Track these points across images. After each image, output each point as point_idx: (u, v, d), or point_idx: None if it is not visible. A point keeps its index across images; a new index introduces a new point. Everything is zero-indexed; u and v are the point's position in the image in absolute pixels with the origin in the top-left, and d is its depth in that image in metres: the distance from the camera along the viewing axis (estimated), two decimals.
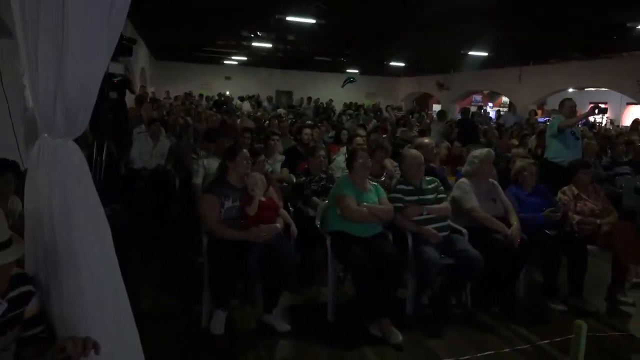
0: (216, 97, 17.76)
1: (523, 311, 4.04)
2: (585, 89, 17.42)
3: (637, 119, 13.67)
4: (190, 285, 4.03)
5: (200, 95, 17.84)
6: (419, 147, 4.97)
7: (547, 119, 17.14)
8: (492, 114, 20.94)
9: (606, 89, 16.00)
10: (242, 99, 18.42)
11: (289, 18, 10.54)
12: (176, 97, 17.29)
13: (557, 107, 17.96)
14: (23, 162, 3.89)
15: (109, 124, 4.40)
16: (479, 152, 4.46)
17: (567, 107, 6.03)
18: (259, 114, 12.40)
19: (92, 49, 1.77)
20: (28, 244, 1.86)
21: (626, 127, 14.65)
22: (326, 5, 9.31)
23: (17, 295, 1.73)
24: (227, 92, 20.58)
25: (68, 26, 1.69)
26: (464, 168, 4.52)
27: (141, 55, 14.97)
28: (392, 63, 19.25)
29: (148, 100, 11.90)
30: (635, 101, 15.12)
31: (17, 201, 3.42)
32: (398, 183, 4.15)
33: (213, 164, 4.97)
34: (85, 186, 1.88)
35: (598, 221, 4.45)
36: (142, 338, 2.07)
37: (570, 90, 17.02)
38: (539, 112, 17.98)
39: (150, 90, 15.74)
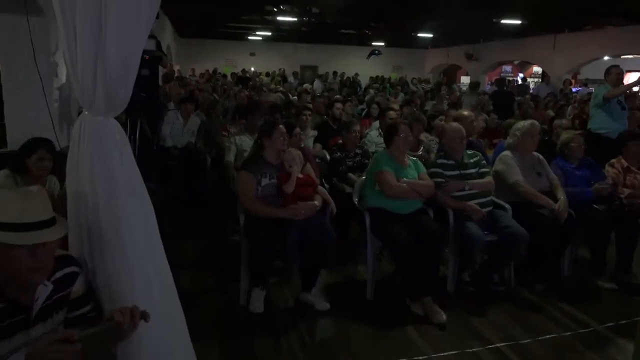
0: (240, 74, 17.68)
1: (569, 289, 3.89)
2: (622, 57, 16.66)
3: None
4: (227, 264, 4.01)
5: (225, 76, 17.76)
6: (457, 119, 4.77)
7: (580, 88, 16.56)
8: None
9: None
10: (267, 74, 18.33)
11: None
12: (202, 75, 17.27)
13: (590, 77, 17.33)
14: (59, 142, 3.89)
15: (142, 102, 4.37)
16: (522, 124, 4.26)
17: (614, 74, 5.72)
18: (283, 89, 12.23)
19: (132, 23, 1.69)
20: (71, 224, 1.82)
21: None
22: None
23: (62, 277, 1.70)
24: (252, 69, 20.44)
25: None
26: (507, 141, 4.33)
27: (166, 32, 14.91)
28: (419, 34, 18.75)
29: (175, 78, 11.90)
30: None
31: (55, 181, 3.41)
32: (438, 157, 4.01)
33: (245, 140, 4.91)
34: (128, 164, 1.83)
35: None
36: None
37: (606, 58, 16.31)
38: (572, 81, 17.34)
39: (176, 68, 15.72)
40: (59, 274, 1.69)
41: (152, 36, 5.38)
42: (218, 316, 3.35)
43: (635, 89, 8.00)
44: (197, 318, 3.07)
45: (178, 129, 6.39)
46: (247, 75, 17.67)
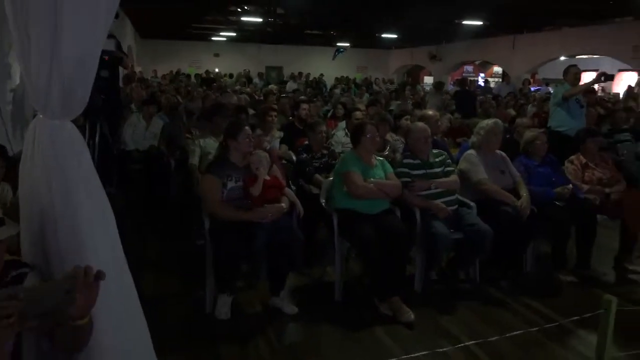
0: (204, 75, 17.45)
1: (533, 284, 3.97)
2: (577, 57, 17.23)
3: (631, 85, 13.65)
4: (192, 269, 3.91)
5: (188, 76, 17.48)
6: (423, 119, 4.82)
7: (538, 87, 17.04)
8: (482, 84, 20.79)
9: (597, 56, 15.82)
10: (231, 75, 18.15)
11: None
12: (164, 76, 16.94)
13: (548, 77, 17.90)
14: (12, 147, 3.72)
15: (102, 105, 4.24)
16: (485, 122, 4.34)
17: (572, 74, 5.89)
18: (249, 90, 12.13)
19: (89, 21, 1.61)
20: (25, 232, 1.73)
21: (617, 93, 14.57)
22: None
23: (9, 280, 1.61)
24: (216, 70, 20.21)
25: None
26: (471, 140, 4.39)
27: (127, 33, 14.57)
28: (383, 35, 18.93)
29: (136, 80, 11.62)
30: (628, 67, 14.99)
31: (8, 188, 3.26)
32: (404, 157, 4.03)
33: (210, 143, 4.82)
34: (85, 169, 1.75)
35: (607, 190, 4.37)
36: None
37: (562, 58, 16.84)
38: (531, 81, 17.82)
39: (137, 69, 15.37)
40: (7, 278, 1.61)
41: (111, 36, 5.24)
42: (183, 323, 3.28)
43: (595, 86, 8.26)
44: (161, 325, 2.97)
45: (140, 131, 6.24)
46: (212, 76, 17.44)
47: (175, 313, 3.41)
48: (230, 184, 3.43)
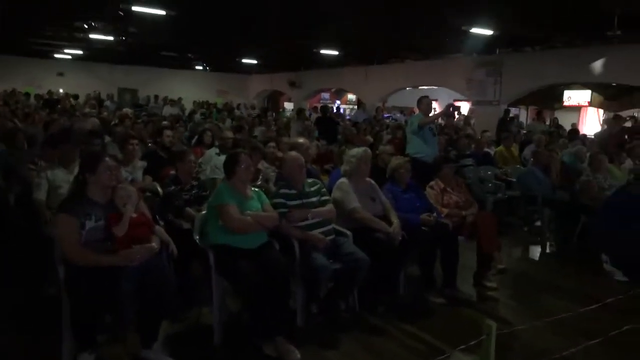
0: (46, 96, 15.75)
1: (407, 308, 4.10)
2: (419, 87, 18.96)
3: (465, 114, 15.36)
4: (43, 324, 3.36)
5: (27, 94, 15.60)
6: (293, 148, 4.80)
7: (388, 115, 18.40)
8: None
9: (437, 87, 17.58)
10: (77, 97, 16.59)
11: (135, 8, 9.64)
12: None
13: (396, 104, 19.43)
14: None
15: None
16: (356, 151, 4.44)
17: (425, 104, 6.38)
18: (105, 114, 11.17)
19: None
20: None
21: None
22: None
23: None
24: (61, 90, 18.37)
25: None
26: (343, 167, 4.46)
27: None
28: (243, 60, 18.95)
29: None
30: (461, 98, 16.87)
31: None
32: (280, 187, 3.94)
33: (59, 174, 4.30)
34: None
35: (463, 212, 4.73)
36: None
37: (408, 88, 18.39)
38: (382, 108, 19.15)
39: None
40: None
41: None
42: None
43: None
44: None
45: None
46: (55, 97, 15.80)
47: None
48: (90, 224, 3.01)
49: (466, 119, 14.34)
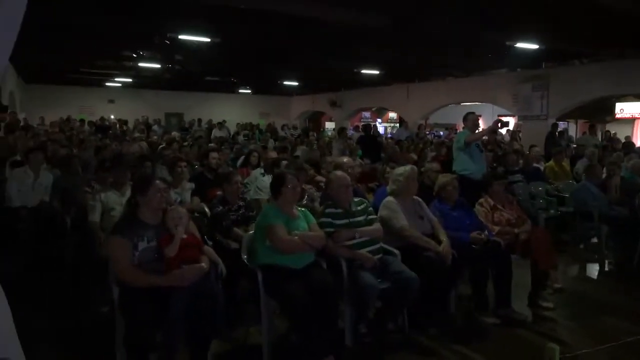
0: (98, 122, 16.43)
1: (459, 329, 3.97)
2: (462, 104, 18.69)
3: (511, 130, 14.98)
4: (97, 341, 3.43)
5: (82, 121, 16.31)
6: (338, 167, 4.79)
7: (431, 132, 18.20)
8: (382, 130, 21.81)
9: (479, 103, 17.28)
10: (126, 122, 17.27)
11: (181, 37, 9.99)
12: (52, 123, 15.66)
13: (438, 122, 19.27)
14: None
15: None
16: (402, 169, 4.38)
17: (471, 120, 6.26)
18: (154, 138, 11.55)
19: None
20: None
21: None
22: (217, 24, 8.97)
23: None
24: (112, 117, 19.17)
25: None
26: (389, 187, 4.40)
27: (8, 78, 13.39)
28: (285, 82, 19.25)
29: (20, 128, 10.60)
30: (507, 113, 16.50)
31: None
32: (327, 207, 3.92)
33: (111, 197, 4.43)
34: None
35: (516, 230, 4.57)
36: None
37: (450, 105, 18.16)
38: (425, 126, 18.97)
39: (21, 116, 14.08)
40: None
41: None
42: None
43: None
44: None
45: (27, 185, 5.58)
46: (107, 123, 16.47)
47: None
48: (142, 245, 3.08)
49: (513, 134, 13.99)
